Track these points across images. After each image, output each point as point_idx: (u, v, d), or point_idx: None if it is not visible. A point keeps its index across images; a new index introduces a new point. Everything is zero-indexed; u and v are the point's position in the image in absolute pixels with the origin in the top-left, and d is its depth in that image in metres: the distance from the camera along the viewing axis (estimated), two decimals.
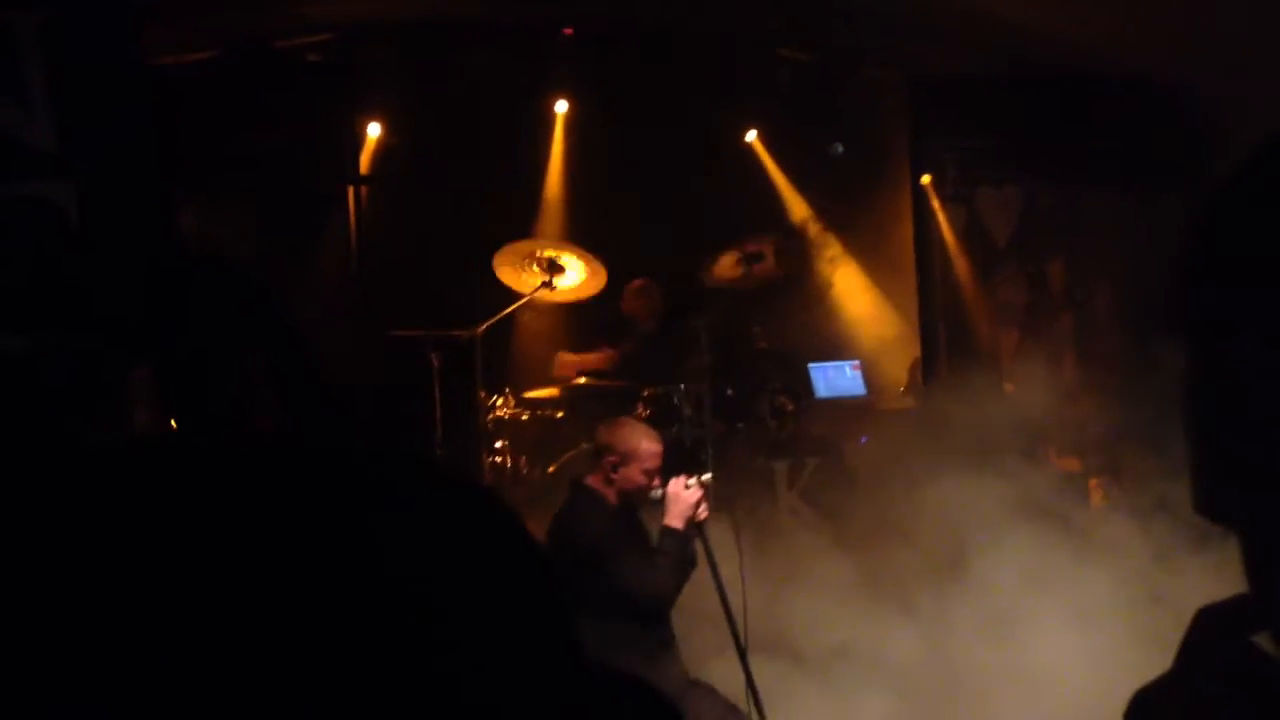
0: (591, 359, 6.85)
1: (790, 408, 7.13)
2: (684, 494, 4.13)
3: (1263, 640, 0.70)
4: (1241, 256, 0.67)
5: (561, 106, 7.65)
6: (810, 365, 7.34)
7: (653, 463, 4.16)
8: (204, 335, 1.73)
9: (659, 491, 4.15)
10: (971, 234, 7.92)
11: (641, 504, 4.24)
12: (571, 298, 6.78)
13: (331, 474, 0.55)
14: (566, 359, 6.85)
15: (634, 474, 4.14)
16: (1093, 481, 5.99)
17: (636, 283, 7.06)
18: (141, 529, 0.50)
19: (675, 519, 4.11)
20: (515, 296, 6.56)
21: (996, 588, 5.38)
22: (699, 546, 4.20)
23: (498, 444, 6.40)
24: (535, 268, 6.58)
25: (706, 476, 4.32)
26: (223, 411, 1.62)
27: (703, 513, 4.18)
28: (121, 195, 2.21)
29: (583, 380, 6.66)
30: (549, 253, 6.58)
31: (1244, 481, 0.67)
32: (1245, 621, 0.70)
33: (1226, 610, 0.72)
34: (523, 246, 6.70)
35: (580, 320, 7.31)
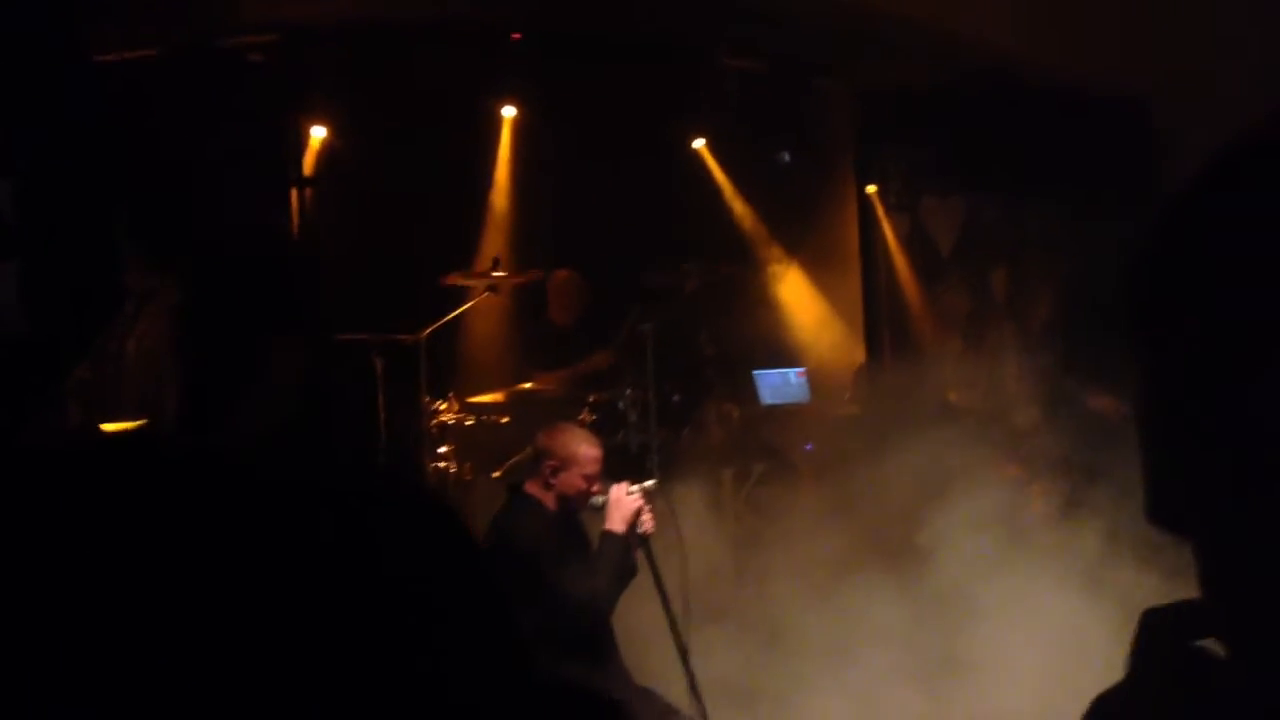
0: (571, 373, 6.83)
1: (735, 414, 7.16)
2: (625, 500, 4.12)
3: (1211, 645, 0.70)
4: (1191, 262, 0.67)
5: (509, 111, 7.63)
6: (755, 372, 7.37)
7: (592, 468, 4.15)
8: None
9: (600, 498, 4.14)
10: (915, 243, 8.01)
11: (582, 510, 4.23)
12: (519, 281, 6.78)
13: (285, 478, 0.54)
14: (546, 378, 6.80)
15: (573, 479, 4.13)
16: (1034, 488, 6.05)
17: (560, 274, 7.05)
18: (103, 528, 0.49)
19: (616, 524, 4.10)
20: (460, 300, 6.53)
21: (940, 590, 5.43)
22: (641, 556, 4.20)
23: (442, 449, 6.36)
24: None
25: (650, 483, 4.32)
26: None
27: (647, 525, 4.16)
28: (59, 194, 2.17)
29: (527, 386, 6.64)
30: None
31: (1195, 489, 0.67)
32: (1193, 626, 0.71)
33: (1172, 614, 0.72)
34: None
35: (527, 326, 7.29)
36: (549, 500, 4.15)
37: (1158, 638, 0.73)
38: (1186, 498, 0.68)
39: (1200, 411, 0.66)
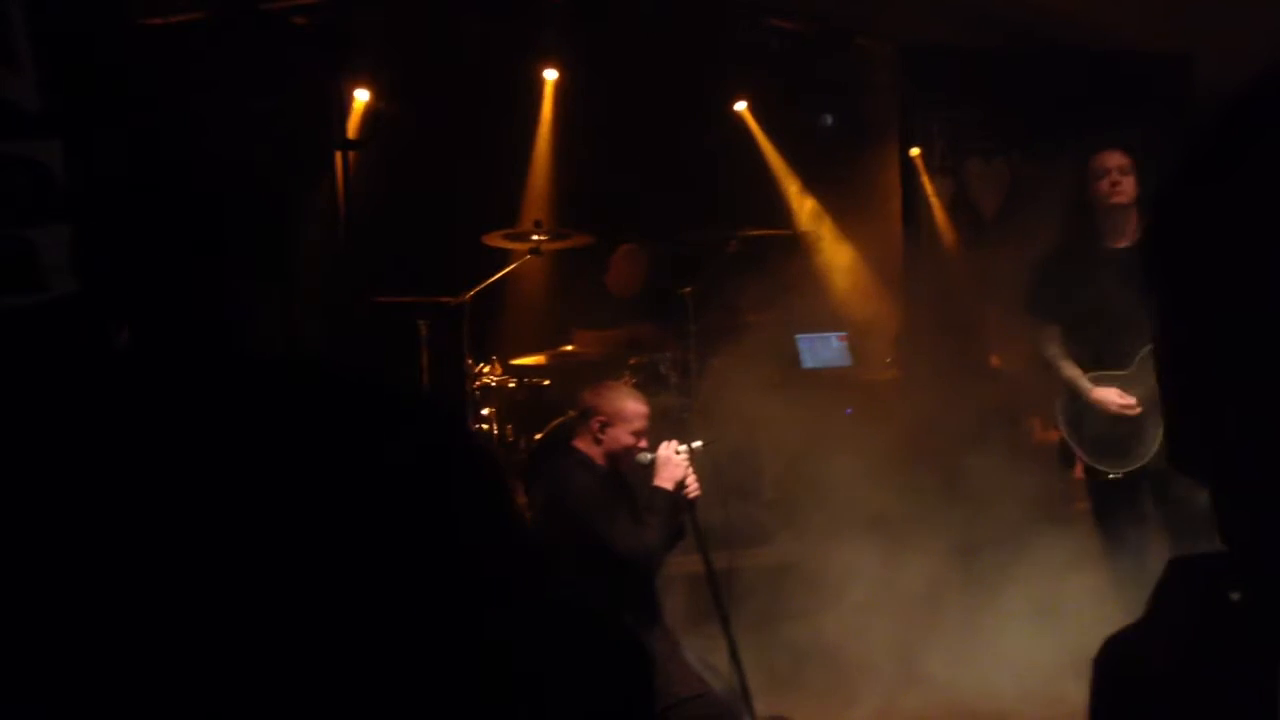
0: (614, 335, 6.84)
1: (776, 378, 7.14)
2: (674, 458, 4.15)
3: (1234, 595, 0.71)
4: (1211, 214, 0.68)
5: (551, 74, 7.62)
6: (797, 336, 7.35)
7: (640, 424, 4.18)
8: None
9: (648, 456, 4.16)
10: (959, 206, 7.93)
11: (627, 467, 4.24)
12: (560, 246, 6.78)
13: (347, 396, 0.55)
14: (586, 335, 6.82)
15: (621, 435, 4.16)
16: (1078, 453, 6.01)
17: (624, 247, 7.06)
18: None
19: (665, 481, 4.12)
20: (504, 262, 6.55)
21: (983, 555, 5.43)
22: (687, 522, 4.22)
23: (484, 411, 6.40)
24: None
25: (699, 444, 4.33)
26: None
27: (693, 489, 4.18)
28: (106, 155, 2.20)
29: (569, 349, 6.66)
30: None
31: (1216, 437, 0.68)
32: (1217, 575, 0.71)
33: (1198, 563, 0.73)
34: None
35: (571, 289, 7.30)
36: (597, 456, 4.18)
37: (1183, 582, 0.73)
38: (1207, 446, 0.68)
39: (1218, 360, 0.66)
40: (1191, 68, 6.72)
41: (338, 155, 6.95)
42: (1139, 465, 4.79)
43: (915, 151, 7.89)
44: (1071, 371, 4.98)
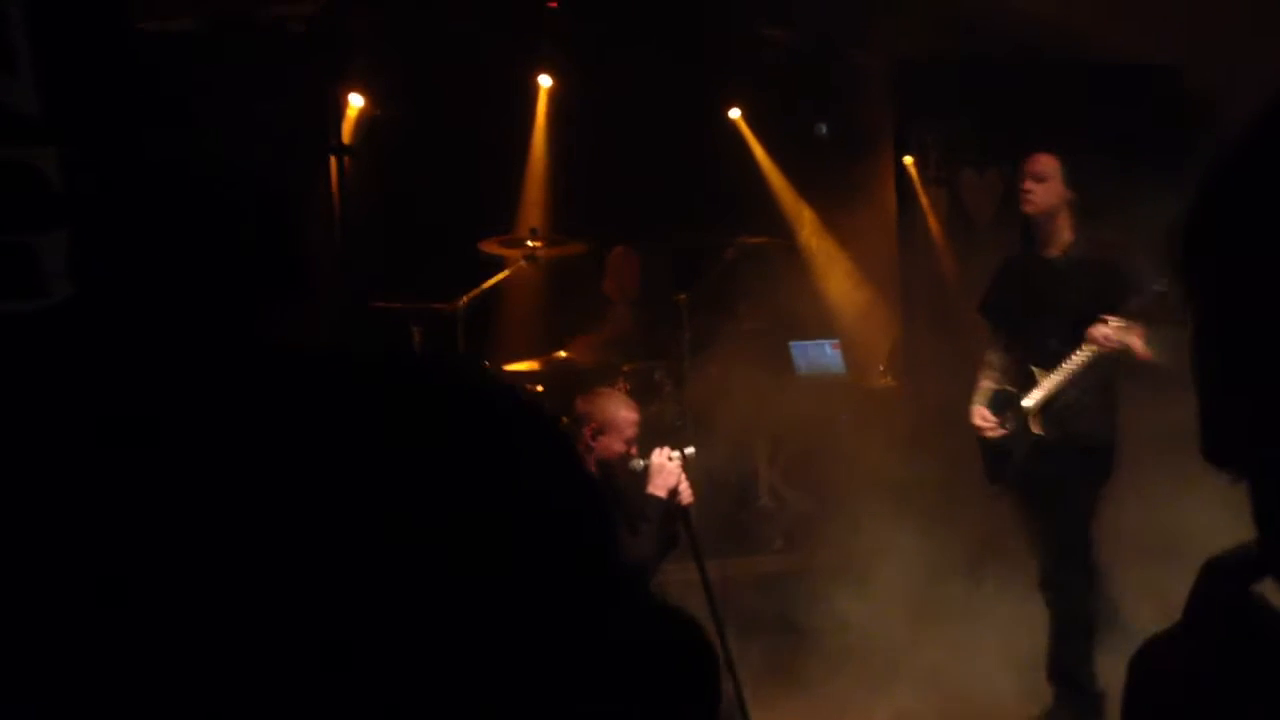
0: (603, 335, 6.84)
1: (771, 385, 7.15)
2: (668, 465, 4.14)
3: (1267, 590, 0.71)
4: (1246, 210, 0.69)
5: (546, 80, 7.63)
6: (791, 343, 7.36)
7: (631, 431, 4.18)
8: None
9: (640, 462, 4.16)
10: (952, 216, 7.95)
11: (620, 474, 4.24)
12: (555, 253, 6.78)
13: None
14: (582, 341, 6.81)
15: (613, 443, 4.16)
16: None
17: (617, 249, 7.07)
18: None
19: (659, 488, 4.12)
20: (498, 269, 6.56)
21: (982, 561, 5.44)
22: (680, 530, 4.21)
23: None
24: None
25: (690, 450, 4.33)
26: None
27: (686, 496, 4.18)
28: (104, 161, 2.20)
29: (562, 355, 6.66)
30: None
31: (1251, 429, 0.69)
32: (1249, 571, 0.72)
33: (1231, 560, 0.74)
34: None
35: (565, 295, 7.31)
36: (589, 463, 4.17)
37: (1216, 584, 0.74)
38: (1240, 438, 0.69)
39: (1250, 353, 0.67)
40: (1181, 79, 6.75)
41: (333, 160, 6.96)
42: (1002, 480, 4.88)
43: (910, 160, 7.92)
44: (982, 383, 5.03)
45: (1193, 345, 0.71)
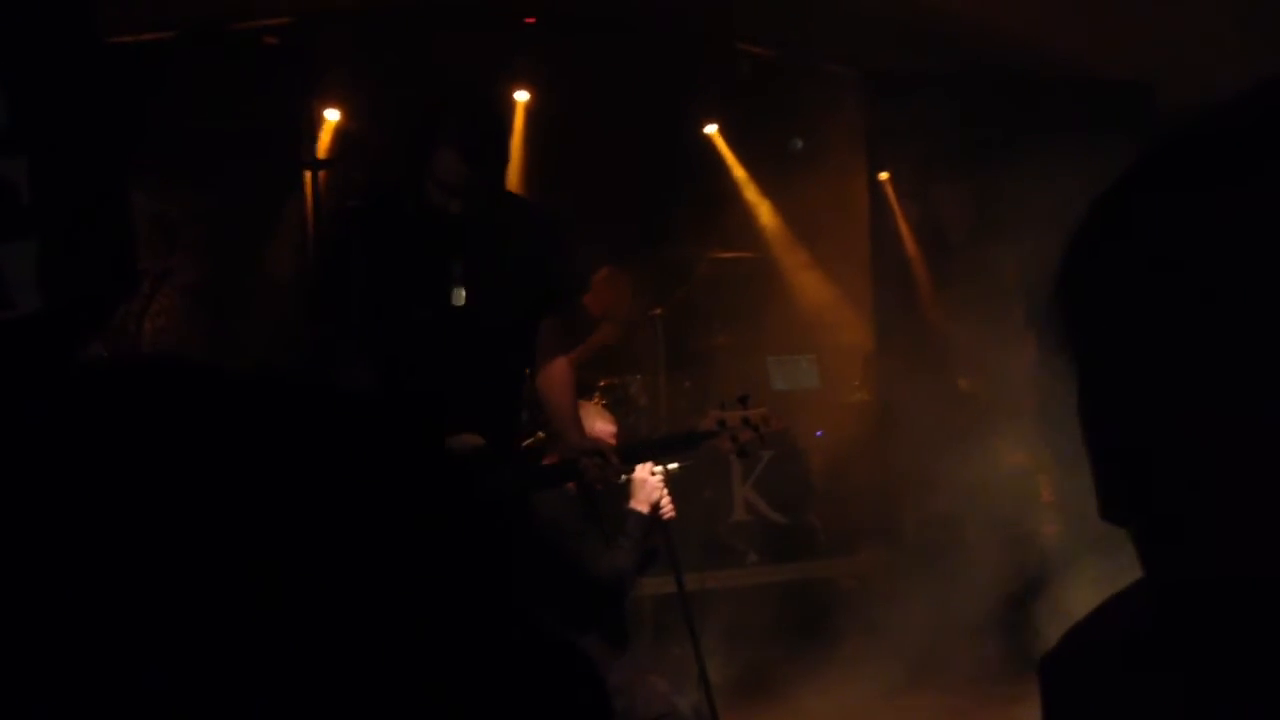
0: (581, 352, 6.82)
1: (746, 399, 7.16)
2: (650, 480, 4.12)
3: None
4: (1119, 264, 0.68)
5: (522, 95, 7.63)
6: (767, 358, 7.38)
7: (608, 444, 4.15)
8: None
9: (623, 476, 4.13)
10: (926, 230, 7.98)
11: (601, 488, 4.21)
12: None
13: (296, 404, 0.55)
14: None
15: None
16: (1041, 477, 6.06)
17: (605, 270, 7.05)
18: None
19: (640, 503, 4.10)
20: None
21: (950, 579, 5.45)
22: (660, 544, 4.19)
23: None
24: None
25: (674, 465, 4.31)
26: None
27: (668, 510, 4.16)
28: (73, 172, 2.19)
29: None
30: None
31: (1131, 484, 0.68)
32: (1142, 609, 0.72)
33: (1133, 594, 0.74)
34: None
35: None
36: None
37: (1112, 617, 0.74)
38: (1123, 493, 0.69)
39: (1127, 407, 0.66)
40: (1153, 96, 6.80)
41: (307, 174, 6.95)
42: None
43: (884, 175, 7.95)
44: None
45: (1078, 405, 0.71)
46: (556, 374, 3.80)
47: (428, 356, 3.56)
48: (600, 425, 4.19)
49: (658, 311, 6.67)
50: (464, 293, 3.55)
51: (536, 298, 3.69)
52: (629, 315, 7.06)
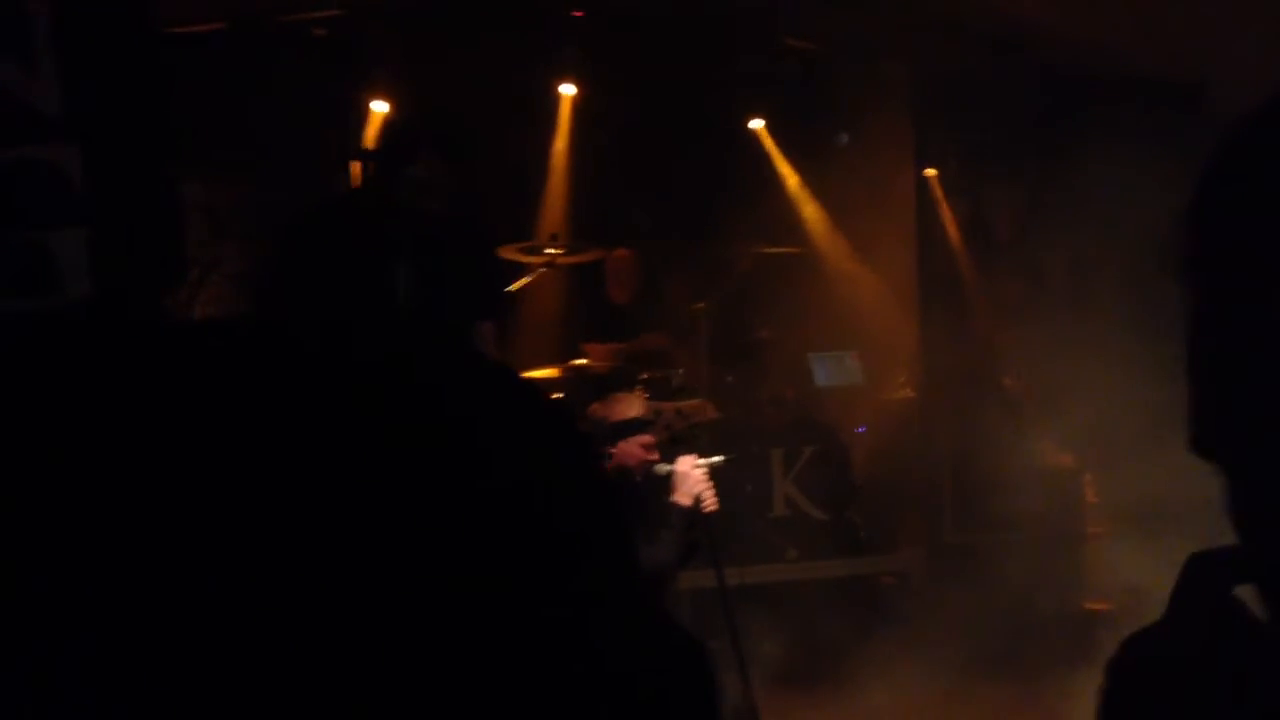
0: (624, 348, 6.83)
1: (789, 396, 7.15)
2: (693, 473, 4.09)
3: (1245, 592, 0.71)
4: (1244, 197, 0.69)
5: (568, 89, 7.65)
6: (810, 354, 7.36)
7: (650, 436, 4.15)
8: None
9: (666, 467, 4.12)
10: (974, 228, 7.93)
11: (640, 479, 4.20)
12: (575, 260, 6.79)
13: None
14: (597, 350, 6.81)
15: (632, 448, 4.12)
16: (1086, 477, 6.01)
17: (617, 253, 7.06)
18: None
19: (683, 496, 4.07)
20: (519, 275, 6.57)
21: (985, 580, 5.42)
22: (701, 538, 4.18)
23: None
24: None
25: (719, 459, 4.28)
26: None
27: (710, 503, 4.13)
28: (124, 160, 2.22)
29: (581, 361, 6.67)
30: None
31: (1237, 419, 0.69)
32: (1231, 572, 0.72)
33: (1215, 559, 0.74)
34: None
35: (582, 303, 7.32)
36: (606, 469, 4.14)
37: (1198, 583, 0.74)
38: (1226, 428, 0.69)
39: (1245, 342, 0.67)
40: (1205, 96, 6.72)
41: (355, 165, 7.00)
42: None
43: (931, 172, 7.90)
44: None
45: (1185, 338, 0.71)
46: None
47: None
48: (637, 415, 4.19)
49: (701, 305, 6.66)
50: (409, 292, 3.81)
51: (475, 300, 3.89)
52: (646, 294, 7.06)
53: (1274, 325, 0.66)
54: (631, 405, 4.27)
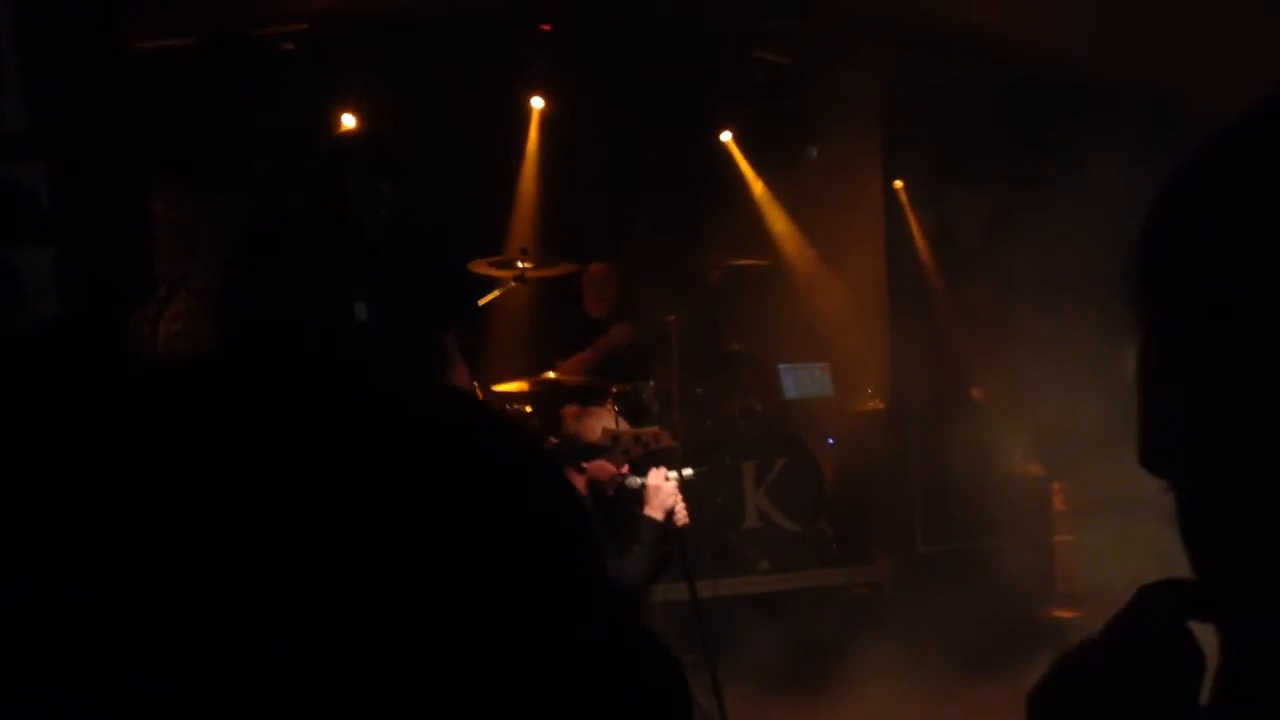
0: (591, 354, 6.83)
1: (759, 408, 7.17)
2: (665, 486, 4.09)
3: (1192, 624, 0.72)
4: (1202, 218, 0.70)
5: (538, 102, 7.65)
6: (780, 366, 7.38)
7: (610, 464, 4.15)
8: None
9: (638, 481, 4.12)
10: (943, 238, 7.98)
11: (611, 494, 4.21)
12: (545, 274, 6.78)
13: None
14: (568, 364, 6.80)
15: (603, 462, 4.14)
16: (1054, 485, 6.05)
17: (595, 266, 7.06)
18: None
19: (655, 510, 4.08)
20: (488, 289, 6.56)
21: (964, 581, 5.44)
22: (674, 551, 4.18)
23: None
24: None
25: (689, 471, 4.29)
26: None
27: (681, 517, 4.14)
28: (92, 177, 2.21)
29: (551, 375, 6.66)
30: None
31: (1187, 436, 0.69)
32: (1185, 606, 0.73)
33: (1167, 592, 0.74)
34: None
35: (554, 317, 7.32)
36: (580, 484, 4.14)
37: (1142, 610, 0.75)
38: (1173, 442, 0.70)
39: (1192, 356, 0.68)
40: (1173, 106, 6.78)
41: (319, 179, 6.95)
42: None
43: (899, 184, 7.95)
44: None
45: (1139, 352, 0.72)
46: (458, 383, 4.19)
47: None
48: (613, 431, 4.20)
49: (672, 318, 6.67)
50: (372, 306, 3.87)
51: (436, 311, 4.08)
52: (623, 308, 7.06)
53: (1225, 343, 0.67)
54: (605, 420, 4.28)
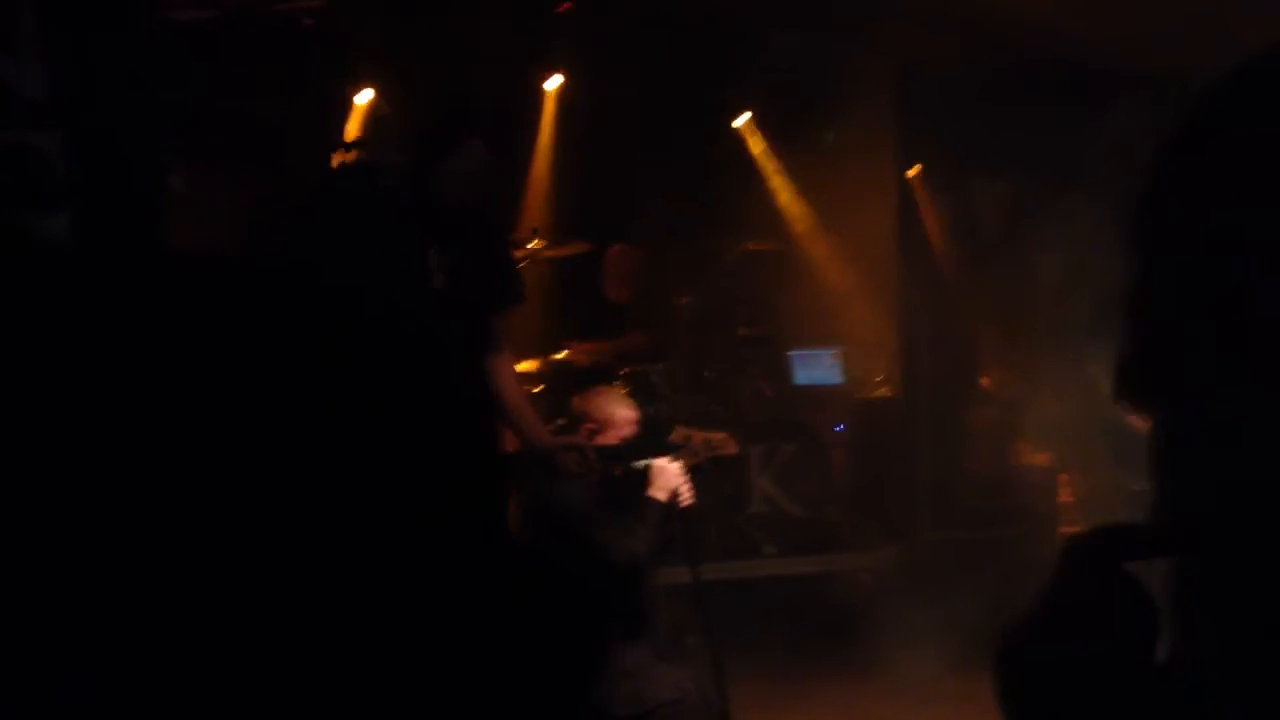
0: (605, 346, 6.82)
1: (768, 392, 7.17)
2: (670, 468, 4.10)
3: (1131, 566, 0.73)
4: (1200, 178, 0.71)
5: (553, 82, 7.65)
6: (789, 352, 7.38)
7: (629, 430, 4.15)
8: None
9: (643, 462, 4.13)
10: (961, 226, 7.96)
11: (621, 474, 4.21)
12: (557, 254, 6.79)
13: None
14: (579, 346, 6.80)
15: (611, 441, 4.14)
16: (1061, 477, 6.04)
17: (616, 248, 7.06)
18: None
19: (659, 490, 4.08)
20: None
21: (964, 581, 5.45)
22: (677, 532, 4.19)
23: None
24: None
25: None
26: None
27: (686, 498, 4.16)
28: (108, 146, 2.23)
29: (561, 356, 6.67)
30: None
31: (1163, 365, 0.71)
32: (1118, 550, 0.74)
33: (1095, 540, 0.76)
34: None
35: (566, 298, 7.32)
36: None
37: (1080, 564, 0.76)
38: (1150, 373, 0.71)
39: (1196, 287, 0.70)
40: (1192, 90, 6.75)
41: (336, 156, 6.97)
42: None
43: (914, 170, 7.92)
44: None
45: (1129, 286, 0.73)
46: (507, 369, 4.20)
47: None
48: (622, 412, 4.21)
49: (684, 300, 6.67)
50: (444, 278, 3.89)
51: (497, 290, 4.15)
52: (639, 292, 7.06)
53: (1224, 269, 0.68)
54: (611, 399, 4.29)
